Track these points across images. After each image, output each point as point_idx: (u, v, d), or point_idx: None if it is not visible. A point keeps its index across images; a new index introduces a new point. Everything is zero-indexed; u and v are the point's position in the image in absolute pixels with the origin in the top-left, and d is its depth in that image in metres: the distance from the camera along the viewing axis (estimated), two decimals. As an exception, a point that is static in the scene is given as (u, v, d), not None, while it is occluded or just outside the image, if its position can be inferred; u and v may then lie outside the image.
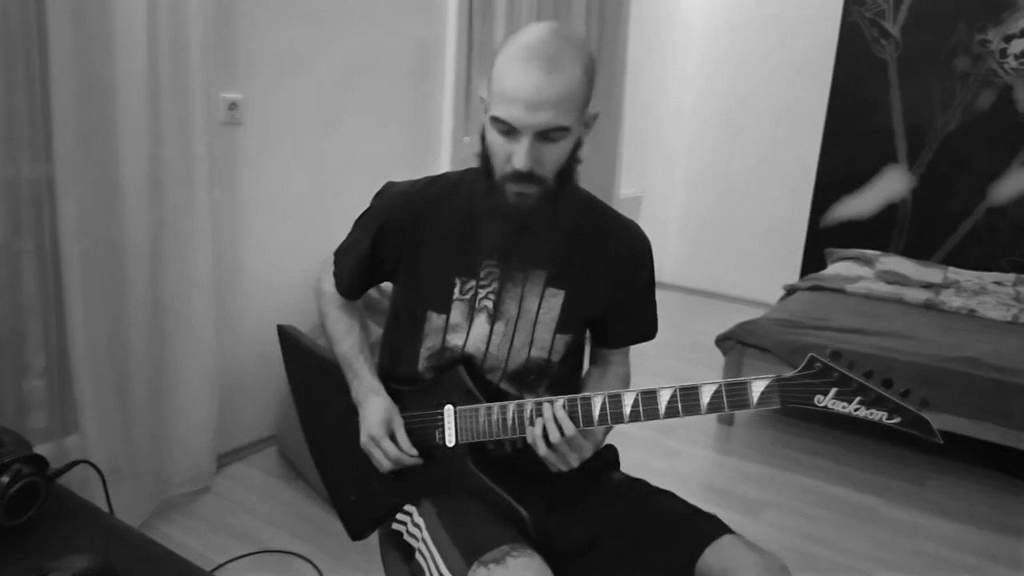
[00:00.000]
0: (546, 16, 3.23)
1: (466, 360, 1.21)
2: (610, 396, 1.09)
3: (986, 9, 4.05)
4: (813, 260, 4.66)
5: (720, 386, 1.04)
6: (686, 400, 1.05)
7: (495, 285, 1.19)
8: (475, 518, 1.12)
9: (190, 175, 2.03)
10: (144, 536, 1.00)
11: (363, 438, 1.21)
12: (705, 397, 1.05)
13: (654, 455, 2.76)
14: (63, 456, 1.95)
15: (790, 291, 3.85)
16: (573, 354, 1.28)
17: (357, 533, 1.34)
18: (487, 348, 1.20)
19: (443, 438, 1.19)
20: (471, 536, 1.08)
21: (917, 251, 4.37)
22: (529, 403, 1.13)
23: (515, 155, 1.04)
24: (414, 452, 1.18)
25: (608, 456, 1.33)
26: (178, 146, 1.99)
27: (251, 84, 2.31)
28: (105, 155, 1.84)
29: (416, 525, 1.18)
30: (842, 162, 4.56)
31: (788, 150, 4.73)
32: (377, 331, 1.57)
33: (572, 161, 1.11)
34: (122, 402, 1.98)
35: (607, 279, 1.23)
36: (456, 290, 1.19)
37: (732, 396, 1.04)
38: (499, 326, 1.20)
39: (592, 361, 1.36)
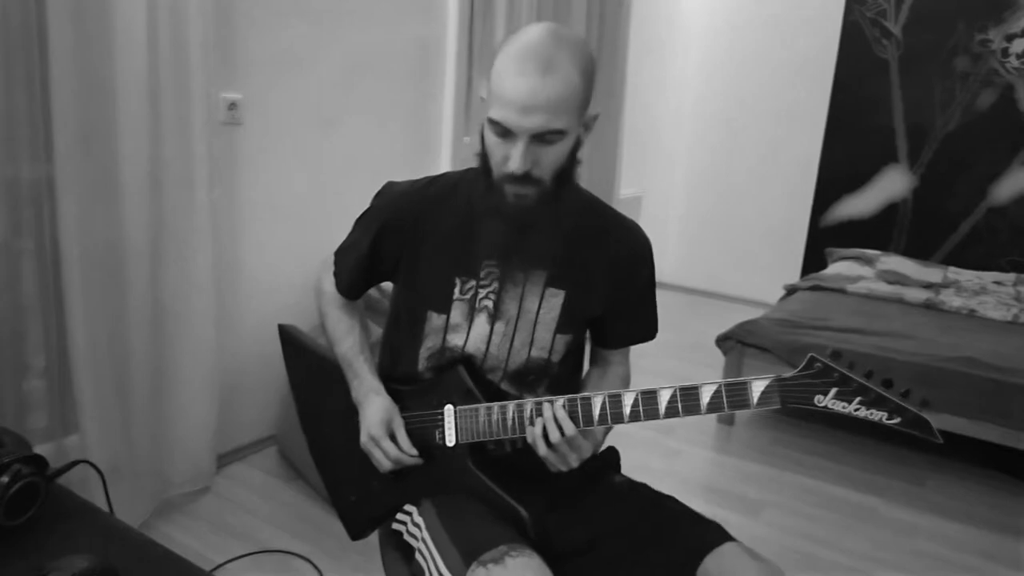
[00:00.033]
0: (546, 16, 3.23)
1: (466, 360, 1.21)
2: (610, 396, 1.09)
3: (987, 8, 4.05)
4: (813, 260, 4.66)
5: (720, 386, 1.04)
6: (686, 400, 1.05)
7: (495, 285, 1.19)
8: (474, 518, 1.12)
9: (190, 175, 2.03)
10: (144, 536, 1.00)
11: (363, 438, 1.21)
12: (705, 397, 1.05)
13: (654, 455, 2.76)
14: (63, 456, 1.95)
15: (790, 291, 3.85)
16: (573, 354, 1.28)
17: (357, 533, 1.34)
18: (487, 348, 1.20)
19: (443, 438, 1.19)
20: (470, 536, 1.08)
21: (917, 251, 4.37)
22: (529, 403, 1.13)
23: (511, 157, 1.04)
24: (414, 452, 1.18)
25: (609, 458, 1.33)
26: (178, 146, 1.99)
27: (251, 84, 2.31)
28: (105, 155, 1.84)
29: (416, 525, 1.18)
30: (843, 161, 4.55)
31: (788, 150, 4.73)
32: (377, 331, 1.57)
33: (571, 162, 1.11)
34: (122, 402, 1.98)
35: (607, 279, 1.23)
36: (456, 290, 1.19)
37: (732, 396, 1.04)
38: (499, 326, 1.20)
39: (592, 362, 1.36)
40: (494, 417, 1.15)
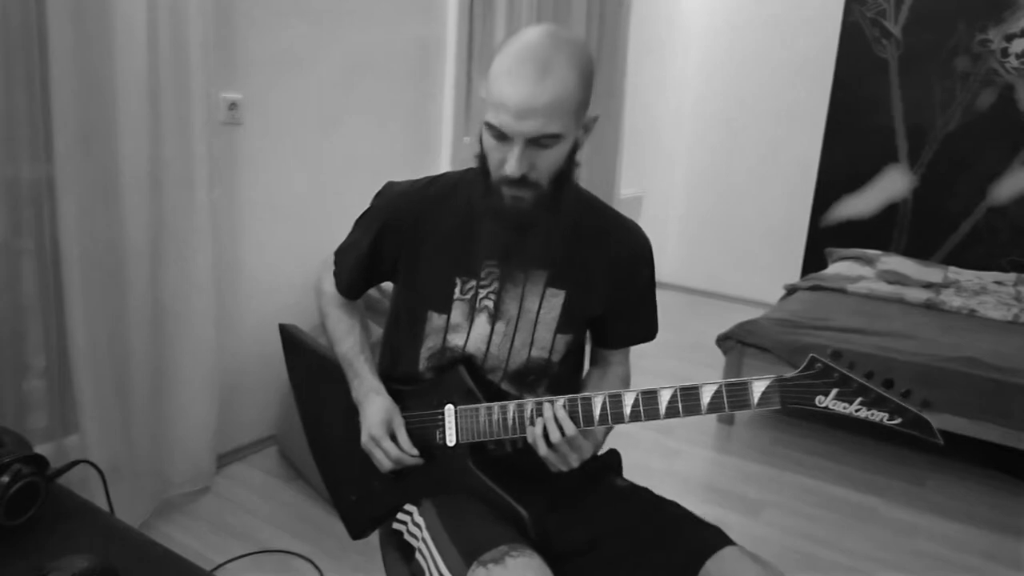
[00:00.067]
0: (546, 16, 3.23)
1: (467, 360, 1.21)
2: (610, 396, 1.09)
3: (987, 8, 4.05)
4: (814, 260, 4.66)
5: (721, 386, 1.04)
6: (686, 400, 1.05)
7: (496, 285, 1.19)
8: (475, 518, 1.12)
9: (190, 175, 2.03)
10: (144, 536, 1.00)
11: (364, 438, 1.21)
12: (706, 397, 1.05)
13: (654, 455, 2.76)
14: (63, 456, 1.95)
15: (790, 291, 3.85)
16: (574, 354, 1.28)
17: (357, 533, 1.34)
18: (488, 348, 1.20)
19: (443, 438, 1.19)
20: (471, 536, 1.08)
21: (918, 251, 4.37)
22: (529, 403, 1.13)
23: (508, 161, 1.04)
24: (415, 452, 1.18)
25: (611, 460, 1.33)
26: (178, 146, 1.99)
27: (251, 84, 2.31)
28: (105, 155, 1.84)
29: (416, 525, 1.18)
30: (843, 161, 4.55)
31: (788, 150, 4.73)
32: (377, 331, 1.57)
33: (568, 165, 1.11)
34: (122, 402, 1.98)
35: (607, 279, 1.23)
36: (457, 290, 1.19)
37: (733, 396, 1.04)
38: (500, 326, 1.20)
39: (592, 362, 1.36)
40: (494, 417, 1.15)
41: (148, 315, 2.00)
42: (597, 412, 1.09)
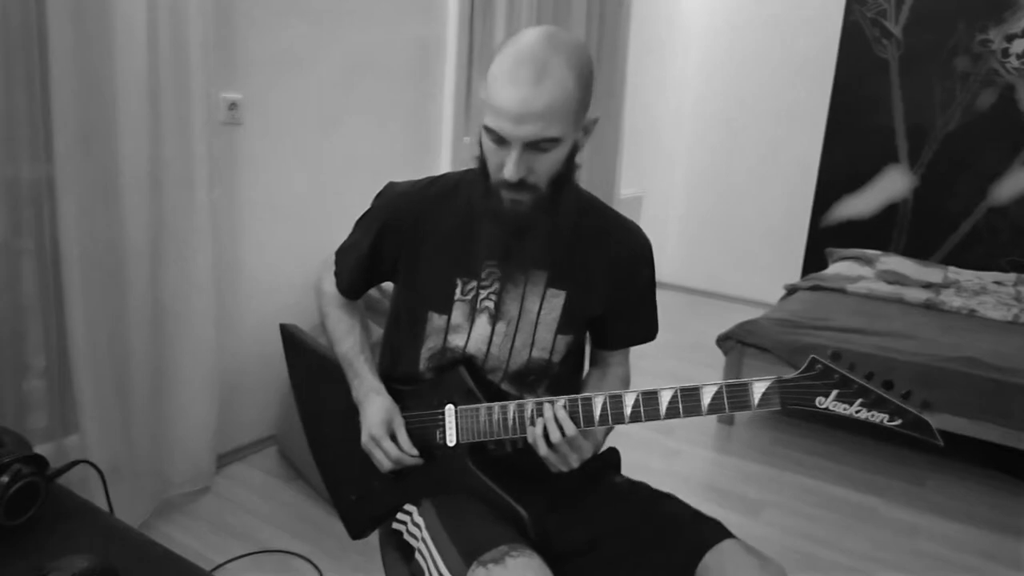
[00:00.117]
0: (546, 16, 3.23)
1: (467, 360, 1.21)
2: (611, 397, 1.09)
3: (987, 9, 4.05)
4: (814, 260, 4.66)
5: (721, 387, 1.04)
6: (687, 401, 1.05)
7: (496, 286, 1.19)
8: (475, 518, 1.12)
9: (190, 175, 2.03)
10: (144, 536, 1.00)
11: (364, 438, 1.21)
12: (706, 398, 1.05)
13: (654, 455, 2.76)
14: (63, 456, 1.95)
15: (790, 291, 3.85)
16: (574, 354, 1.28)
17: (357, 532, 1.34)
18: (488, 349, 1.20)
19: (444, 438, 1.19)
20: (470, 536, 1.08)
21: (917, 251, 4.37)
22: (530, 403, 1.13)
23: (506, 165, 1.04)
24: (415, 452, 1.18)
25: (610, 458, 1.33)
26: (178, 146, 1.99)
27: (251, 84, 2.31)
28: (105, 155, 1.84)
29: (416, 525, 1.18)
30: (843, 162, 4.55)
31: (788, 150, 4.73)
32: (377, 331, 1.57)
33: (567, 168, 1.10)
34: (122, 402, 1.98)
35: (607, 279, 1.23)
36: (457, 291, 1.19)
37: (733, 397, 1.04)
38: (500, 327, 1.20)
39: (592, 363, 1.36)
40: (495, 417, 1.15)
41: (148, 315, 2.00)
42: (597, 412, 1.09)
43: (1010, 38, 4.03)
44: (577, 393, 1.13)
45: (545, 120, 1.01)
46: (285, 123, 2.45)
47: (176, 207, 2.02)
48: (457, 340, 1.21)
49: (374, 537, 1.34)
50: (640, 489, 1.24)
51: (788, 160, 4.74)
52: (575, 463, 1.12)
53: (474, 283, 1.19)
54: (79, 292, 1.81)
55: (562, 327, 1.21)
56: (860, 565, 2.18)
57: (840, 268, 4.10)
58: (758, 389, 1.02)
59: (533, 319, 1.20)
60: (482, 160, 1.11)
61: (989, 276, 3.99)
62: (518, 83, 1.00)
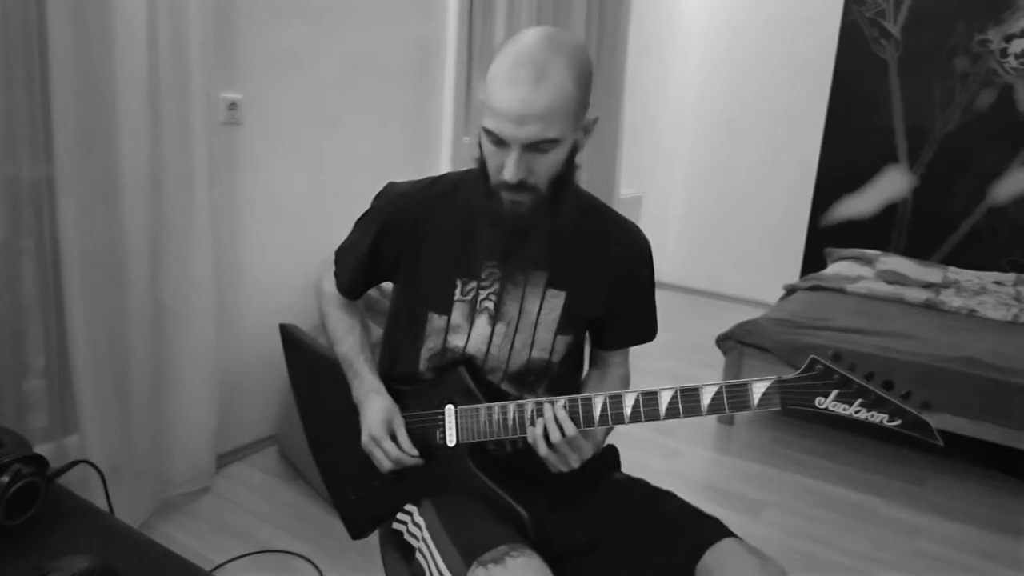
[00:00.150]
0: (546, 16, 3.23)
1: (467, 361, 1.21)
2: (611, 397, 1.09)
3: (986, 9, 4.06)
4: (813, 260, 4.66)
5: (721, 387, 1.04)
6: (687, 401, 1.05)
7: (496, 286, 1.19)
8: (475, 518, 1.12)
9: (190, 175, 2.03)
10: (144, 536, 1.00)
11: (364, 438, 1.21)
12: (706, 398, 1.05)
13: (654, 455, 2.76)
14: (63, 456, 1.95)
15: (790, 291, 3.85)
16: (573, 354, 1.28)
17: (357, 532, 1.34)
18: (488, 349, 1.20)
19: (444, 438, 1.19)
20: (471, 536, 1.08)
21: (917, 251, 4.37)
22: (530, 403, 1.13)
23: (506, 166, 1.04)
24: (415, 452, 1.18)
25: (609, 457, 1.33)
26: (178, 146, 1.99)
27: (251, 84, 2.31)
28: (105, 155, 1.84)
29: (416, 525, 1.18)
30: (842, 162, 4.56)
31: (788, 150, 4.73)
32: (377, 331, 1.57)
33: (567, 168, 1.10)
34: (122, 402, 1.98)
35: (607, 279, 1.23)
36: (457, 291, 1.19)
37: (733, 397, 1.04)
38: (500, 327, 1.20)
39: (592, 363, 1.36)
40: (495, 417, 1.15)
41: (148, 315, 2.00)
42: (597, 413, 1.09)
43: (1009, 38, 4.03)
44: (577, 393, 1.13)
45: (545, 121, 1.01)
46: (285, 123, 2.45)
47: (176, 207, 2.02)
48: (457, 340, 1.21)
49: (374, 537, 1.34)
50: (639, 486, 1.24)
51: (788, 160, 4.74)
52: (575, 463, 1.12)
53: (474, 283, 1.19)
54: (79, 292, 1.81)
55: (562, 327, 1.21)
56: (860, 565, 2.18)
57: (840, 268, 4.10)
58: (758, 389, 1.02)
59: (533, 319, 1.20)
60: (482, 161, 1.11)
61: (989, 276, 3.99)
62: (517, 84, 1.00)
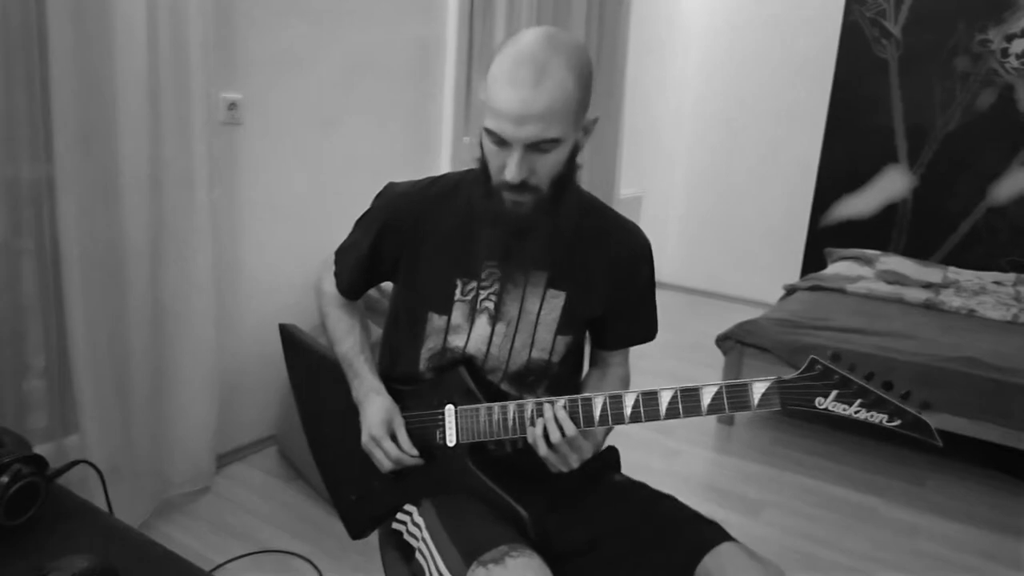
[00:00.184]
0: (546, 16, 3.23)
1: (467, 361, 1.21)
2: (611, 397, 1.09)
3: (987, 9, 4.05)
4: (813, 260, 4.66)
5: (721, 388, 1.04)
6: (687, 401, 1.05)
7: (496, 286, 1.19)
8: (475, 518, 1.12)
9: (190, 175, 2.03)
10: (144, 536, 1.00)
11: (364, 438, 1.21)
12: (706, 399, 1.05)
13: (654, 455, 2.76)
14: (63, 456, 1.95)
15: (790, 291, 3.85)
16: (573, 354, 1.28)
17: (357, 532, 1.34)
18: (488, 349, 1.20)
19: (444, 438, 1.19)
20: (470, 536, 1.08)
21: (917, 251, 4.37)
22: (530, 403, 1.13)
23: (507, 166, 1.04)
24: (415, 452, 1.18)
25: (609, 458, 1.33)
26: (178, 146, 1.99)
27: (251, 84, 2.31)
28: (105, 155, 1.84)
29: (416, 525, 1.18)
30: (842, 161, 4.56)
31: (788, 150, 4.73)
32: (377, 331, 1.57)
33: (569, 168, 1.11)
34: (122, 402, 1.98)
35: (607, 279, 1.23)
36: (457, 291, 1.19)
37: (733, 398, 1.04)
38: (500, 327, 1.20)
39: (592, 363, 1.36)
40: (495, 417, 1.15)
41: (148, 315, 2.00)
42: (597, 413, 1.09)
43: (1009, 38, 4.03)
44: (577, 393, 1.13)
45: (546, 121, 1.01)
46: (285, 123, 2.45)
47: (176, 207, 2.02)
48: (457, 340, 1.21)
49: (374, 537, 1.34)
50: (640, 489, 1.24)
51: (788, 160, 4.74)
52: (575, 463, 1.12)
53: (474, 284, 1.19)
54: (79, 292, 1.81)
55: (562, 328, 1.21)
56: (860, 565, 2.18)
57: (839, 268, 4.10)
58: (758, 389, 1.03)
59: (533, 320, 1.20)
60: (483, 162, 1.11)
61: (989, 276, 3.99)
62: (518, 84, 1.00)
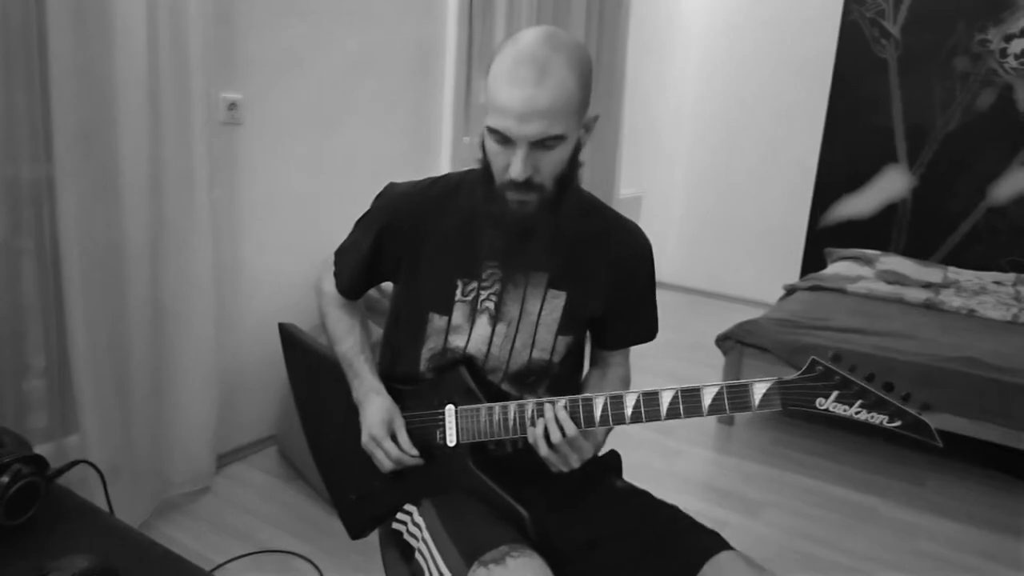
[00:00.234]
0: (546, 16, 3.23)
1: (467, 361, 1.21)
2: (611, 397, 1.09)
3: (986, 9, 4.06)
4: (813, 260, 4.66)
5: (722, 388, 1.04)
6: (688, 402, 1.05)
7: (497, 287, 1.19)
8: (475, 518, 1.12)
9: (190, 175, 2.03)
10: (144, 536, 1.00)
11: (364, 438, 1.21)
12: (707, 399, 1.05)
13: (654, 455, 2.76)
14: (63, 456, 1.95)
15: (790, 291, 3.85)
16: (574, 354, 1.28)
17: (357, 532, 1.34)
18: (488, 349, 1.20)
19: (444, 438, 1.19)
20: (471, 536, 1.08)
21: (917, 251, 4.37)
22: (530, 403, 1.13)
23: (512, 165, 1.04)
24: (415, 452, 1.18)
25: (611, 461, 1.33)
26: (178, 146, 1.99)
27: (251, 84, 2.31)
28: (105, 155, 1.84)
29: (416, 525, 1.18)
30: (842, 161, 4.56)
31: (788, 150, 4.73)
32: (377, 331, 1.57)
33: (572, 166, 1.11)
34: (122, 402, 1.98)
35: (608, 279, 1.23)
36: (458, 292, 1.19)
37: (734, 398, 1.04)
38: (501, 328, 1.20)
39: (592, 363, 1.36)
40: (495, 417, 1.15)
41: (148, 315, 2.00)
42: (598, 413, 1.09)
43: (1009, 38, 4.03)
44: (577, 393, 1.13)
45: (549, 118, 1.01)
46: (285, 123, 2.45)
47: (176, 207, 2.02)
48: (457, 341, 1.21)
49: (374, 537, 1.34)
50: (642, 495, 1.24)
51: (787, 160, 4.74)
52: (576, 463, 1.12)
53: (475, 284, 1.19)
54: (79, 292, 1.81)
55: (562, 328, 1.21)
56: (860, 565, 2.18)
57: (839, 268, 4.10)
58: (759, 390, 1.02)
59: (534, 320, 1.20)
60: (485, 163, 1.11)
61: (989, 276, 3.99)
62: (521, 82, 1.00)
